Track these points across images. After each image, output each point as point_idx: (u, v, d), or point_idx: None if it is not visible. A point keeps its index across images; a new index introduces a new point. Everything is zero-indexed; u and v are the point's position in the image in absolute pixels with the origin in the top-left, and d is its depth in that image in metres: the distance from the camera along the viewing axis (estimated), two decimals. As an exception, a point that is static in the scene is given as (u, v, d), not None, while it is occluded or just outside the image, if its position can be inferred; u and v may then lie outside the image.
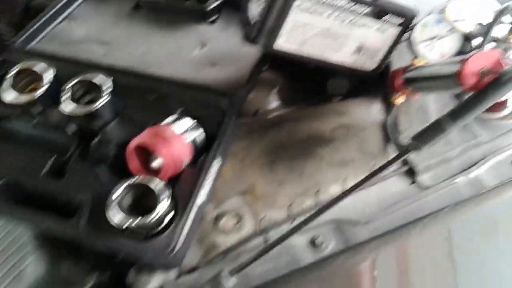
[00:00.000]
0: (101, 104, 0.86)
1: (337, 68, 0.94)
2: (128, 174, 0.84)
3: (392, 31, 0.90)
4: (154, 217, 0.74)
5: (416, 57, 0.93)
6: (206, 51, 1.05)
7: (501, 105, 0.92)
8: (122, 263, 0.87)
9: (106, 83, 0.88)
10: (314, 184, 0.89)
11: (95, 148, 0.88)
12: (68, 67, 0.95)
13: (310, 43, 0.89)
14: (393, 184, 0.90)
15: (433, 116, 0.93)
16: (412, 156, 0.90)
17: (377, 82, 1.01)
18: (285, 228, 0.85)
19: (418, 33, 0.92)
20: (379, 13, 0.87)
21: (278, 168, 0.91)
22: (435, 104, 0.96)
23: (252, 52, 1.03)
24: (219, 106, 0.89)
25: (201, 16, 1.12)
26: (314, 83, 1.11)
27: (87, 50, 1.06)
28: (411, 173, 0.90)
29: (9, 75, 0.89)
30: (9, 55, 1.00)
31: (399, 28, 0.90)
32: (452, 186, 0.89)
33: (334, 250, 0.81)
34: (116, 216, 0.74)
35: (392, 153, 0.92)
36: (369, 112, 0.97)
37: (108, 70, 0.94)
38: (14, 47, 1.02)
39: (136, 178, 0.77)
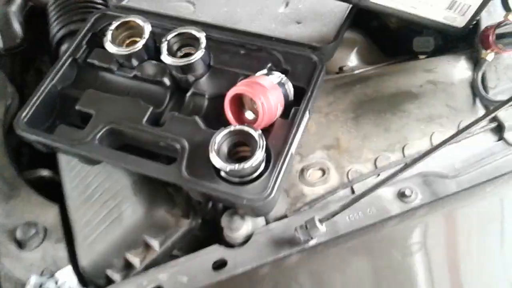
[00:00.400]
0: (198, 57, 0.89)
1: (426, 24, 0.94)
2: (219, 126, 0.89)
3: (486, -13, 0.89)
4: (253, 163, 0.77)
5: (509, 12, 0.91)
6: (290, 8, 1.07)
7: None
8: (213, 210, 0.93)
9: (201, 37, 0.91)
10: (401, 139, 0.90)
11: (189, 99, 0.93)
12: (162, 22, 0.99)
13: (403, -2, 0.89)
14: (480, 140, 0.90)
15: (523, 74, 0.93)
16: (501, 113, 0.90)
17: (463, 40, 1.01)
18: (371, 181, 0.88)
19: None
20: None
21: (363, 123, 0.93)
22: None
23: (336, 9, 1.04)
24: (309, 59, 0.91)
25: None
26: (397, 42, 1.11)
27: (175, 8, 1.09)
28: (498, 130, 0.90)
29: (111, 27, 0.94)
30: (107, 11, 1.05)
31: (493, -16, 0.89)
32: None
33: (422, 203, 0.83)
34: (217, 161, 0.78)
35: (480, 109, 0.92)
36: (457, 68, 0.96)
37: (200, 25, 0.97)
38: (111, 3, 1.07)
39: (235, 126, 0.81)
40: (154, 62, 0.96)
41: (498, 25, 0.88)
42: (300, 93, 0.89)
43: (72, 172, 1.00)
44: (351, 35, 1.12)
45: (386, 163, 0.89)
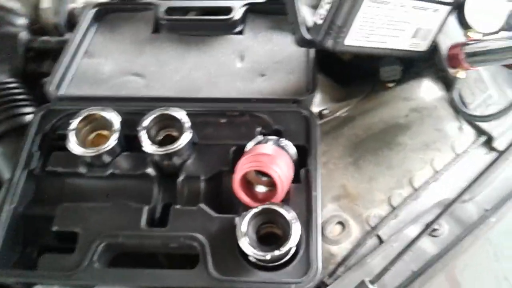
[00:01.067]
0: (186, 141, 0.80)
1: (394, 54, 0.95)
2: (226, 208, 0.81)
3: (444, 10, 0.92)
4: (293, 242, 0.71)
5: (467, 31, 0.94)
6: (247, 62, 1.01)
7: None
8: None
9: (183, 117, 0.82)
10: (405, 172, 0.89)
11: (182, 185, 0.83)
12: (120, 106, 0.88)
13: (375, 35, 0.88)
14: (474, 156, 0.92)
15: (490, 85, 0.98)
16: (486, 125, 0.93)
17: (423, 62, 1.03)
18: (394, 223, 0.85)
19: (470, 7, 0.93)
20: (438, -6, 0.88)
21: (364, 165, 0.91)
22: (486, 73, 0.99)
23: (294, 53, 1.01)
24: (299, 114, 0.87)
25: (227, 28, 1.08)
26: (349, 71, 1.11)
27: (124, 85, 0.98)
28: (488, 142, 0.93)
29: (72, 126, 0.81)
30: (51, 105, 0.90)
31: (449, 8, 0.92)
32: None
33: (452, 234, 0.82)
34: (251, 251, 0.70)
35: (465, 125, 0.94)
36: (431, 91, 0.98)
37: (163, 101, 0.88)
38: (51, 95, 0.92)
39: (259, 208, 0.73)
40: (128, 154, 0.84)
41: (464, 44, 0.91)
42: (300, 152, 0.84)
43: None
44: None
45: (400, 200, 0.87)
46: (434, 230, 0.83)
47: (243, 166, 0.76)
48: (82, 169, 0.83)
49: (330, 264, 0.83)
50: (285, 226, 0.73)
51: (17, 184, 0.82)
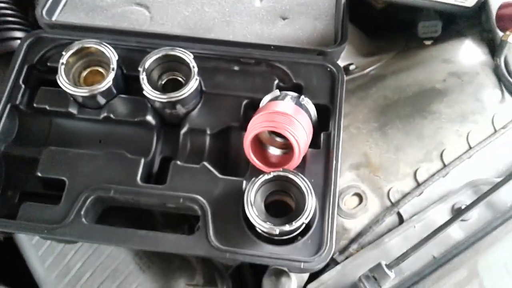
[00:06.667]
0: (192, 89, 0.69)
1: (437, 8, 0.83)
2: (231, 169, 0.72)
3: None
4: (307, 217, 0.62)
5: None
6: (268, 1, 0.89)
7: None
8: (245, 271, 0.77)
9: (190, 61, 0.71)
10: (437, 145, 0.80)
11: (185, 139, 0.73)
12: (118, 39, 0.77)
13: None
14: (515, 134, 0.82)
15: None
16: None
17: (467, 20, 0.91)
18: (418, 201, 0.76)
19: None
20: None
21: (391, 132, 0.81)
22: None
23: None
24: (324, 69, 0.76)
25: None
26: (381, 22, 0.99)
27: (126, 15, 0.85)
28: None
29: (63, 60, 0.70)
30: (41, 32, 0.78)
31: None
32: None
33: (482, 220, 0.73)
34: (260, 223, 0.61)
35: (508, 97, 0.83)
36: (475, 55, 0.86)
37: (169, 39, 0.77)
38: (41, 21, 0.80)
39: (271, 174, 0.64)
40: (126, 97, 0.73)
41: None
42: (322, 112, 0.74)
43: (41, 249, 0.77)
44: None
45: (427, 175, 0.78)
46: (462, 214, 0.74)
47: (256, 125, 0.66)
48: (72, 109, 0.73)
49: (342, 239, 0.75)
50: (299, 198, 0.64)
51: (-1, 118, 0.72)
